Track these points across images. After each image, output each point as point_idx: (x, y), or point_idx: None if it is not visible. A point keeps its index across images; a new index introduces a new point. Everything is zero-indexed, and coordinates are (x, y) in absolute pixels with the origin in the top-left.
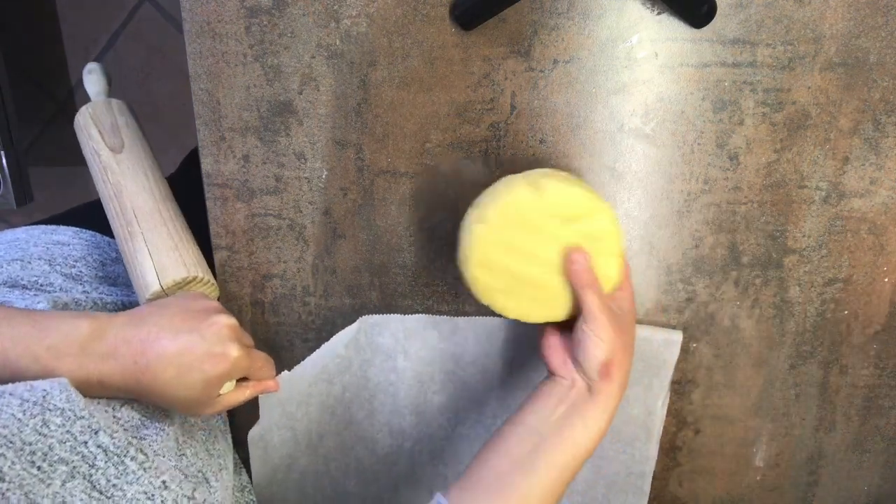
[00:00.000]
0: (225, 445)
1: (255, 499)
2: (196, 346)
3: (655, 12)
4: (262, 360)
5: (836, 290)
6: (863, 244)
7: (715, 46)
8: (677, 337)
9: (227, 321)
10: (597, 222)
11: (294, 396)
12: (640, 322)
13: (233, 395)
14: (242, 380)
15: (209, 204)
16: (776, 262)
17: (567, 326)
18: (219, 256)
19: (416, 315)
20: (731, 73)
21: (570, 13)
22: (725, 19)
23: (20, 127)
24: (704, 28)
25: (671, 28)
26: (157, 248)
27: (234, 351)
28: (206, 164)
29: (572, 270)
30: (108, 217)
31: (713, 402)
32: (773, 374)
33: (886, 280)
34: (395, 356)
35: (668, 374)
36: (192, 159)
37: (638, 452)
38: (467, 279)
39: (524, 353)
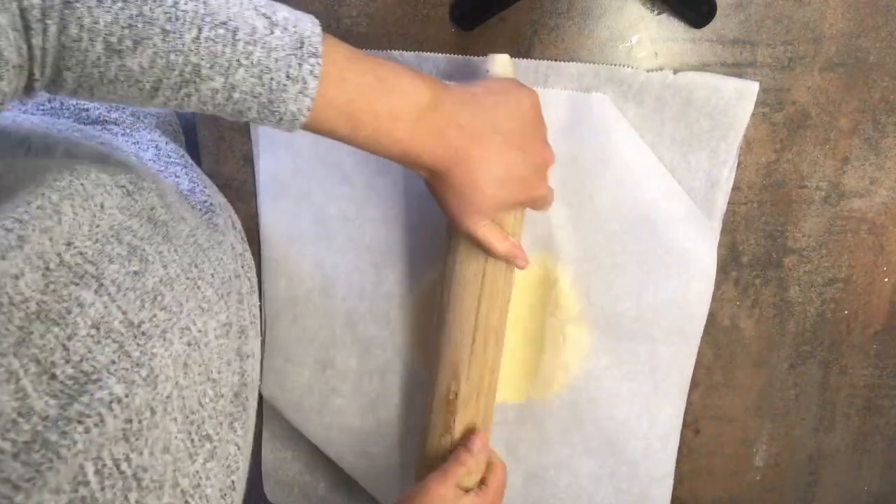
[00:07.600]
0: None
1: None
2: (516, 168)
3: (655, 12)
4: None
5: (836, 290)
6: (863, 244)
7: (715, 46)
8: (753, 87)
9: (551, 158)
10: None
11: None
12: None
13: (494, 231)
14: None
15: None
16: (776, 262)
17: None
18: None
19: None
20: (731, 73)
21: (570, 13)
22: (725, 19)
23: None
24: (704, 28)
25: (671, 28)
26: None
27: (545, 191)
28: (207, 164)
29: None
30: None
31: (713, 402)
32: (773, 374)
33: (886, 280)
34: None
35: (737, 135)
36: None
37: (694, 231)
38: None
39: None
